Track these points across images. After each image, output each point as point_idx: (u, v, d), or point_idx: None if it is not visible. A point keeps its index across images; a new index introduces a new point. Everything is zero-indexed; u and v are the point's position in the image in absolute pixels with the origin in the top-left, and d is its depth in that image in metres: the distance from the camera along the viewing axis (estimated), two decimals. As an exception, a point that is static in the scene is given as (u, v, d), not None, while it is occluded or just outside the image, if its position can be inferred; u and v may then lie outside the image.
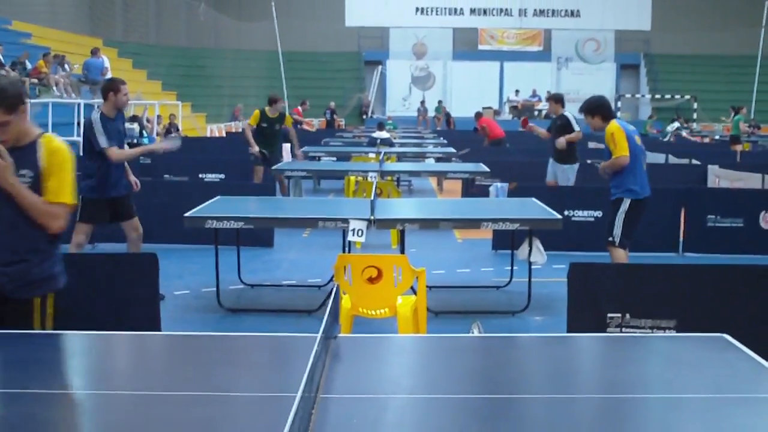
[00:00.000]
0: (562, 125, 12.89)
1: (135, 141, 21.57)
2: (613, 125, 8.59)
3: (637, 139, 8.73)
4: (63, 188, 4.44)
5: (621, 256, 8.51)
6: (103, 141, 8.45)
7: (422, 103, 45.56)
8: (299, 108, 24.75)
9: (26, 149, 4.40)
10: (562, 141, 12.63)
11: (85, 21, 36.67)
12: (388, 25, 48.66)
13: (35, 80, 23.83)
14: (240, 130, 34.91)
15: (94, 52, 27.58)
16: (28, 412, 3.03)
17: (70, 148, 4.57)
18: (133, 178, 8.96)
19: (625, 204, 8.51)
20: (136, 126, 23.87)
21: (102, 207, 8.64)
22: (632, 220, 8.55)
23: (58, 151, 4.46)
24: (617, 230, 8.52)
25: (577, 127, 12.77)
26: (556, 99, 13.48)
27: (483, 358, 3.82)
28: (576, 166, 12.89)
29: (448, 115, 41.95)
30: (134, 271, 6.17)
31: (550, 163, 13.18)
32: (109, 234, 10.21)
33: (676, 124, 35.85)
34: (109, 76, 25.65)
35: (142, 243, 8.92)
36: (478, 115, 23.99)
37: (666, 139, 33.02)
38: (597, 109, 8.80)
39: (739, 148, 24.78)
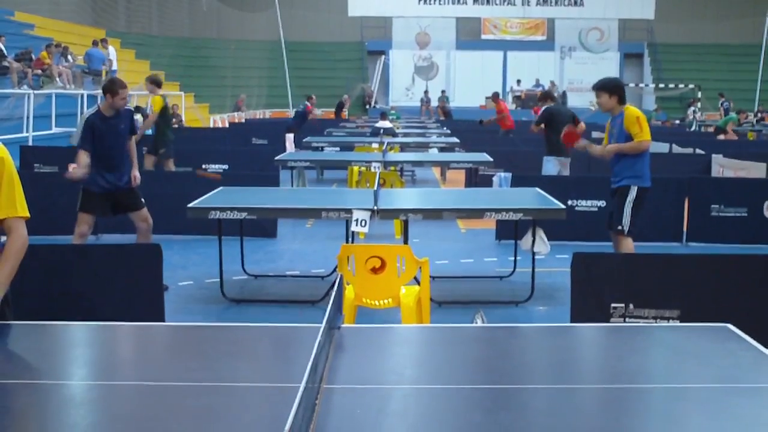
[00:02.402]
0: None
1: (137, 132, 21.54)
2: (636, 110, 8.54)
3: None
4: (14, 199, 4.05)
5: (629, 245, 8.44)
6: (75, 140, 8.49)
7: (425, 92, 45.52)
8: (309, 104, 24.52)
9: None
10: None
11: (88, 12, 36.62)
12: (391, 14, 48.60)
13: (39, 71, 23.84)
14: (243, 120, 34.96)
15: (97, 42, 27.54)
16: (33, 403, 3.04)
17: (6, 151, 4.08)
18: (135, 173, 8.92)
19: (633, 191, 8.42)
20: (139, 117, 23.86)
21: (102, 199, 8.65)
22: (640, 208, 8.47)
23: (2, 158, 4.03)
24: (626, 219, 8.43)
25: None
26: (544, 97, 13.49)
27: (486, 348, 3.82)
28: (555, 158, 12.81)
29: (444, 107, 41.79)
30: (138, 262, 6.18)
31: None
32: (113, 225, 10.23)
33: (693, 109, 35.79)
34: (114, 67, 25.67)
35: (147, 233, 8.93)
36: (496, 96, 22.30)
37: (692, 129, 32.94)
38: (616, 89, 8.62)
39: (722, 137, 24.93)
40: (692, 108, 35.87)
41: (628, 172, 8.47)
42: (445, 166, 18.09)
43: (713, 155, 16.61)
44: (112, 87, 8.69)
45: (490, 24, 49.05)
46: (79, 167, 8.41)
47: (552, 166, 12.75)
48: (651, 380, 3.36)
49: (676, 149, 19.54)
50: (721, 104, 37.54)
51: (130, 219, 8.88)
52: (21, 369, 3.50)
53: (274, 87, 43.39)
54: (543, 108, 12.89)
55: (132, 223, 8.92)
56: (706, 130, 32.60)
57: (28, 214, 4.10)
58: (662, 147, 19.62)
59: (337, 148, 18.71)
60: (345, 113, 34.77)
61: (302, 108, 23.14)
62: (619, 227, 8.46)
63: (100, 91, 8.94)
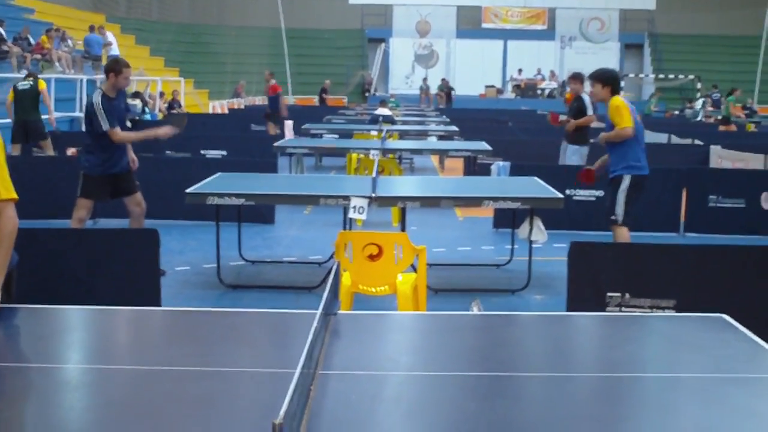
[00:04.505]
0: (578, 107, 12.83)
1: (137, 117, 21.54)
2: (618, 99, 8.57)
3: (638, 117, 8.72)
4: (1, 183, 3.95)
5: (625, 235, 8.48)
6: (105, 124, 8.45)
7: (424, 80, 45.46)
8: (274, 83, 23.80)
9: None
10: (571, 124, 12.69)
11: (88, -4, 36.56)
12: (392, 2, 48.48)
13: (38, 56, 23.79)
14: (242, 107, 34.89)
15: (94, 28, 27.49)
16: (29, 386, 3.05)
17: None
18: (132, 156, 8.93)
19: (626, 181, 8.47)
20: (138, 102, 23.83)
21: (103, 183, 8.64)
22: (633, 198, 8.52)
23: None
24: (619, 208, 8.48)
25: (590, 112, 12.68)
26: (579, 78, 13.29)
27: (482, 336, 3.83)
28: (583, 149, 12.79)
29: (449, 92, 41.64)
30: (135, 247, 6.18)
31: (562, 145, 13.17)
32: (111, 210, 10.22)
33: (702, 101, 35.76)
34: (112, 52, 25.62)
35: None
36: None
37: (699, 119, 32.94)
38: (610, 80, 8.70)
39: (733, 128, 24.77)
40: (702, 100, 35.92)
41: (621, 162, 8.53)
42: (443, 154, 18.06)
43: (712, 146, 16.60)
44: (116, 66, 8.67)
45: (490, 13, 48.94)
46: (153, 130, 8.55)
47: (578, 156, 12.72)
48: (646, 369, 3.37)
49: (675, 140, 19.53)
50: (711, 95, 37.54)
51: (124, 203, 8.88)
52: (17, 352, 3.50)
53: (274, 74, 43.23)
54: (580, 96, 12.76)
55: (129, 208, 8.92)
56: (707, 121, 32.56)
57: (16, 196, 3.99)
58: (661, 137, 19.61)
59: (336, 136, 18.69)
60: (342, 100, 34.75)
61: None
62: (612, 217, 8.51)
63: (99, 76, 8.90)
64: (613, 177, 8.58)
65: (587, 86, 9.92)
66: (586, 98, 12.66)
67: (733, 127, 25.23)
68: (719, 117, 29.46)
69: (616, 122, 8.46)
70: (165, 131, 9.01)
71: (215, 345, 3.52)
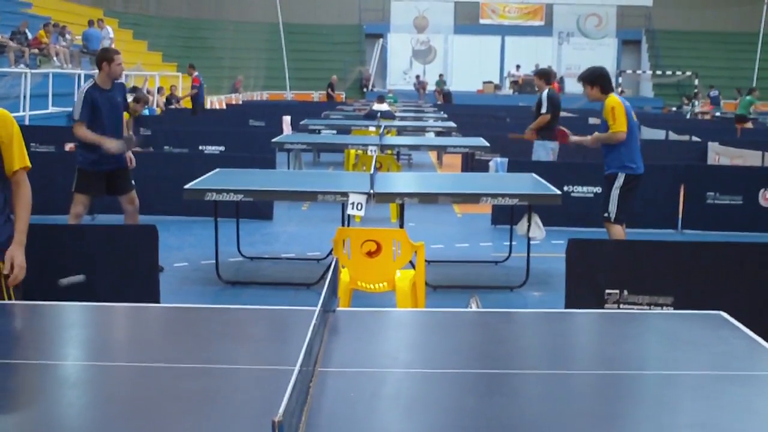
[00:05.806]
0: (537, 104, 12.87)
1: (135, 112, 21.49)
2: (614, 99, 8.52)
3: (633, 115, 8.71)
4: (24, 152, 4.51)
5: (618, 232, 8.49)
6: (76, 113, 8.45)
7: (417, 77, 45.44)
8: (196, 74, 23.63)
9: None
10: (528, 134, 12.79)
11: (86, -10, 36.50)
12: (390, -3, 48.53)
13: (36, 50, 23.75)
14: (240, 102, 34.88)
15: (93, 22, 27.47)
16: (27, 383, 3.05)
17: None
18: (130, 155, 8.91)
19: (620, 179, 8.46)
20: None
21: (98, 179, 8.62)
22: (627, 196, 8.50)
23: (6, 117, 4.43)
24: (612, 206, 8.48)
25: (543, 110, 12.65)
26: (540, 75, 13.38)
27: (481, 333, 3.83)
28: (549, 143, 12.81)
29: (447, 94, 41.54)
30: (134, 243, 6.18)
31: None
32: (109, 205, 10.22)
33: (694, 101, 35.83)
34: (113, 46, 25.60)
35: (142, 214, 8.92)
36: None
37: (688, 117, 33.00)
38: (597, 79, 8.68)
39: (749, 125, 24.61)
40: (695, 100, 35.99)
41: (615, 161, 8.51)
42: (441, 150, 18.06)
43: (709, 143, 16.62)
44: (107, 54, 8.64)
45: (488, 8, 48.95)
46: (104, 140, 8.40)
47: (544, 151, 12.74)
48: (644, 367, 3.37)
49: (673, 136, 19.54)
50: (708, 94, 37.59)
51: (118, 200, 8.86)
52: (15, 349, 3.50)
53: (272, 69, 43.30)
54: (546, 93, 12.80)
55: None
56: (703, 118, 32.55)
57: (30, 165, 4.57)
58: (658, 134, 19.62)
59: (334, 131, 18.68)
60: (341, 95, 34.69)
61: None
62: (606, 214, 8.50)
63: (97, 71, 8.87)
64: (608, 174, 8.57)
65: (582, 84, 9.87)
66: (544, 96, 12.70)
67: (750, 124, 25.01)
68: (717, 114, 29.43)
69: (609, 123, 8.44)
70: (113, 144, 8.68)
71: (214, 342, 3.52)
